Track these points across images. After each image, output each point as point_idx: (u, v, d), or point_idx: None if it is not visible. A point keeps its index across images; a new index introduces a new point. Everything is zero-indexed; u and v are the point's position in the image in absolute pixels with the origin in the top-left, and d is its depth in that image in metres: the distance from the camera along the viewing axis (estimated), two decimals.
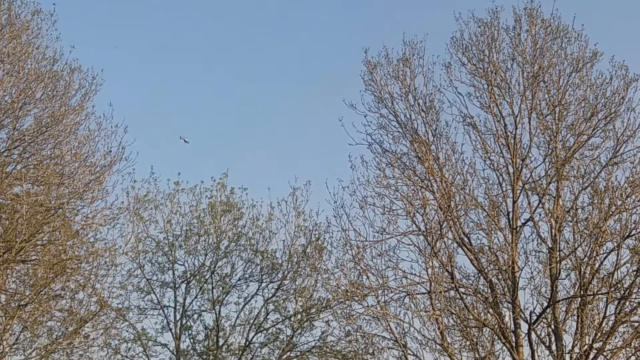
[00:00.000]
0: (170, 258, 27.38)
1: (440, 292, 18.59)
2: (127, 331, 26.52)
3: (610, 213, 18.68)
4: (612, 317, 18.21)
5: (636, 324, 18.75)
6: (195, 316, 27.13)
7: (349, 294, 19.61)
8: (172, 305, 27.16)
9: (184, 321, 26.92)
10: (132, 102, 45.62)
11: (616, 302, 18.35)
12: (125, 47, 53.13)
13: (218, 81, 53.54)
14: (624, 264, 18.57)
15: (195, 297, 27.15)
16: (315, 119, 51.26)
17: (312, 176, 30.28)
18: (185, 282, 27.26)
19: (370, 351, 21.09)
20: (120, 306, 26.24)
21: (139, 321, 26.93)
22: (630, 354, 19.18)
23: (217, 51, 52.75)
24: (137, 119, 47.75)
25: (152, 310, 27.24)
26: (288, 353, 25.96)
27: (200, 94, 52.67)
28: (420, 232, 19.31)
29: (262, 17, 53.93)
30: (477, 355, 19.24)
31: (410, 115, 20.87)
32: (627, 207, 18.70)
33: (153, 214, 27.41)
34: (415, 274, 19.44)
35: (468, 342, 19.45)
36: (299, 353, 26.07)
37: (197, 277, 27.13)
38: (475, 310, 19.33)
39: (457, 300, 19.47)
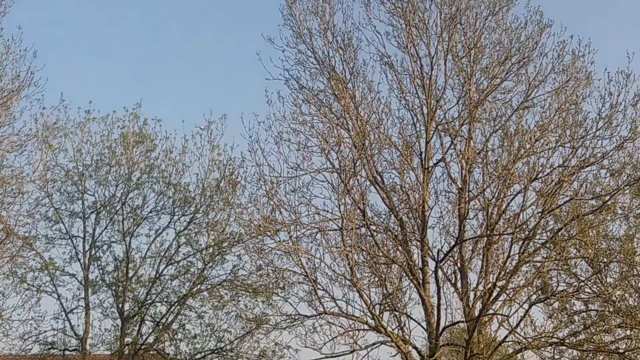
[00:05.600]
0: (80, 188, 26.91)
1: (352, 229, 18.79)
2: (34, 260, 26.14)
3: (519, 156, 19.10)
4: (516, 257, 18.71)
5: (538, 264, 19.40)
6: (105, 247, 26.84)
7: (261, 228, 19.65)
8: (81, 235, 26.81)
9: (93, 252, 26.61)
10: (43, 26, 44.25)
11: (520, 243, 18.86)
12: None
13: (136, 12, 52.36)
14: (530, 205, 19.10)
15: (105, 228, 26.82)
16: (232, 52, 50.70)
17: (227, 110, 30.10)
18: (95, 212, 26.88)
19: (281, 285, 21.26)
20: (27, 234, 25.79)
21: (47, 250, 26.53)
22: (532, 293, 19.90)
23: None
24: (48, 44, 46.39)
25: (60, 240, 26.85)
26: (199, 286, 26.01)
27: (116, 22, 51.47)
28: (334, 170, 19.40)
29: None
30: (384, 291, 19.61)
31: (328, 52, 20.80)
32: (535, 150, 19.15)
33: (62, 142, 26.82)
34: (327, 211, 19.58)
35: (377, 278, 19.79)
36: (209, 286, 26.14)
37: (108, 208, 26.76)
38: (385, 248, 19.64)
39: (368, 237, 19.73)
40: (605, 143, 18.97)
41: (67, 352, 26.21)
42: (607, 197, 19.00)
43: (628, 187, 19.61)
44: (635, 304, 20.24)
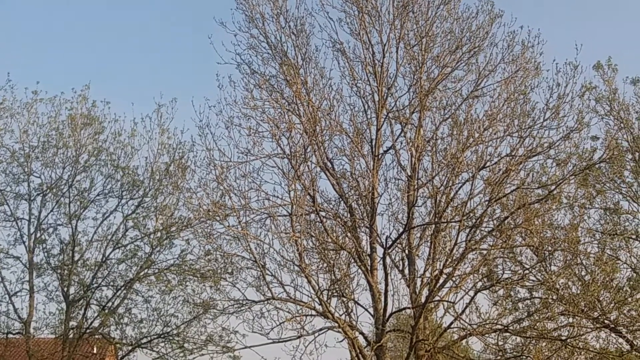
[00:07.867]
0: (26, 169, 26.52)
1: (301, 214, 18.77)
2: None
3: (468, 145, 19.27)
4: (463, 245, 18.92)
5: (484, 252, 19.64)
6: (51, 230, 26.52)
7: (210, 213, 19.55)
8: (27, 217, 26.46)
9: (39, 234, 26.26)
10: None
11: (467, 230, 19.08)
12: None
13: None
14: (477, 194, 19.33)
15: (51, 211, 26.51)
16: (184, 35, 50.23)
17: (178, 93, 29.88)
18: (41, 194, 26.51)
19: (229, 270, 21.22)
20: None
21: None
22: (478, 280, 20.15)
23: None
24: None
25: (5, 222, 26.53)
26: (146, 270, 25.83)
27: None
28: (284, 155, 19.37)
29: None
30: (333, 277, 19.67)
31: (280, 38, 20.75)
32: (483, 139, 19.36)
33: (8, 123, 26.51)
34: (277, 196, 19.58)
35: (325, 264, 19.84)
36: (157, 270, 25.98)
37: (54, 190, 26.41)
38: (334, 234, 19.69)
39: (317, 223, 19.78)
40: (552, 133, 19.32)
41: (10, 336, 25.91)
42: (553, 187, 19.31)
43: (573, 177, 19.98)
44: (578, 292, 20.61)
